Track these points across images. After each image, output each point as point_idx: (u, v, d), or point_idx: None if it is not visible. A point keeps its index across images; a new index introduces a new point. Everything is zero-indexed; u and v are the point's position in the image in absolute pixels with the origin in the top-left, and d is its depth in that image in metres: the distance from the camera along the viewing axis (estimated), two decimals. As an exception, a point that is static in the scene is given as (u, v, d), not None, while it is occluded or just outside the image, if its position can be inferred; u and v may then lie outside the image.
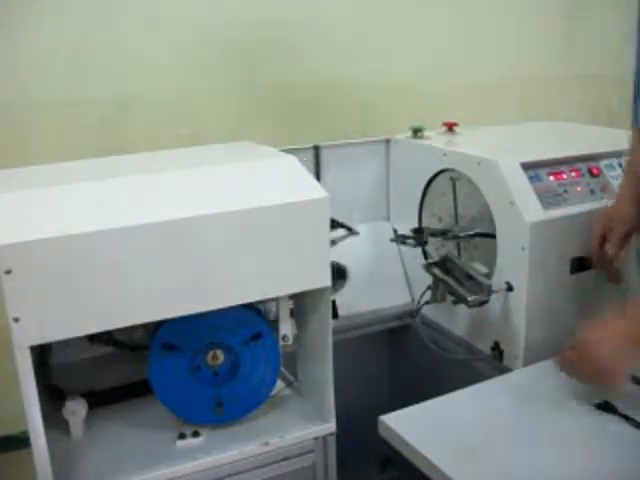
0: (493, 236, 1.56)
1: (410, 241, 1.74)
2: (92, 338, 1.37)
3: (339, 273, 1.82)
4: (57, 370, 1.44)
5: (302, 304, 1.41)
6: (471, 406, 1.32)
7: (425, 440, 1.20)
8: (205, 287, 1.20)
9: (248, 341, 1.33)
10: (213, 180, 1.27)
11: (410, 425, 1.25)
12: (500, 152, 1.59)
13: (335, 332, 1.37)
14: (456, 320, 1.72)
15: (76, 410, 1.32)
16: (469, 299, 1.49)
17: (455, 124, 1.88)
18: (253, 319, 1.34)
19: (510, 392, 1.37)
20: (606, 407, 1.26)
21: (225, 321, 1.30)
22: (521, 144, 1.71)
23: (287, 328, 1.37)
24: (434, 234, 1.71)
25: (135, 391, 1.43)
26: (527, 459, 1.15)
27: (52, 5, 2.00)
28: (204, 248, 1.18)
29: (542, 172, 1.55)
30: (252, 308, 1.34)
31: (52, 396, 1.37)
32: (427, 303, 1.62)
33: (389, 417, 1.28)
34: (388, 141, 1.94)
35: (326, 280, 1.30)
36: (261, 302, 1.37)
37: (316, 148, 1.85)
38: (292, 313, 1.44)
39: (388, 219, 1.97)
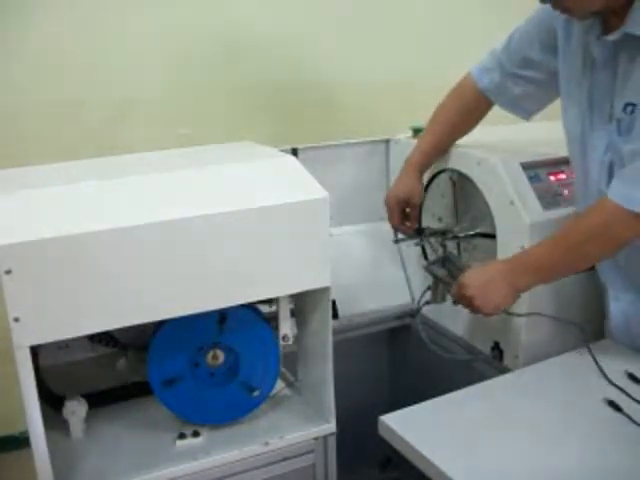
0: (493, 236, 1.56)
1: (411, 241, 1.74)
2: (92, 338, 1.37)
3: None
4: (57, 370, 1.43)
5: (302, 304, 1.41)
6: (471, 406, 1.32)
7: (425, 440, 1.20)
8: (205, 287, 1.20)
9: (248, 342, 1.33)
10: (213, 180, 1.27)
11: (410, 425, 1.25)
12: (500, 152, 1.59)
13: (335, 332, 1.37)
14: (456, 320, 1.72)
15: (76, 410, 1.32)
16: None
17: (455, 124, 1.87)
18: (253, 319, 1.34)
19: (510, 392, 1.37)
20: (610, 406, 1.26)
21: (230, 323, 1.30)
22: (521, 144, 1.71)
23: (287, 328, 1.37)
24: (434, 234, 1.71)
25: (135, 391, 1.44)
26: (527, 459, 1.15)
27: (52, 6, 2.00)
28: (204, 248, 1.18)
29: (542, 172, 1.55)
30: (252, 308, 1.34)
31: (47, 400, 1.36)
32: (427, 303, 1.62)
33: (389, 417, 1.28)
34: (388, 141, 1.94)
35: (326, 280, 1.30)
36: (262, 302, 1.37)
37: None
38: (292, 313, 1.45)
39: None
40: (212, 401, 1.33)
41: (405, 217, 1.70)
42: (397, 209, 1.67)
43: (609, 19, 1.28)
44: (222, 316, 1.29)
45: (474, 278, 1.40)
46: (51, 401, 1.35)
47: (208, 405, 1.33)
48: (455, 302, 1.54)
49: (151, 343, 1.29)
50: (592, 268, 1.52)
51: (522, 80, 1.54)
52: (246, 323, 1.33)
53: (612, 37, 1.26)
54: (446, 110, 1.67)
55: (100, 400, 1.41)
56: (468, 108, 1.64)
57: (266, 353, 1.35)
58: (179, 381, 1.31)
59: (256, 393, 1.34)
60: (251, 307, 1.33)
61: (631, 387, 1.33)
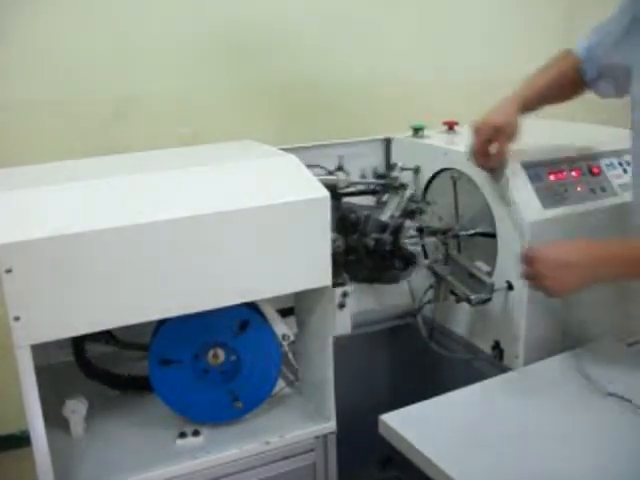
0: (493, 235, 1.56)
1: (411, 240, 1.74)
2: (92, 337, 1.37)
3: (409, 260, 1.63)
4: (57, 369, 1.44)
5: (302, 304, 1.41)
6: (471, 406, 1.32)
7: (425, 439, 1.20)
8: (205, 286, 1.20)
9: (244, 337, 1.33)
10: (213, 179, 1.27)
11: (410, 425, 1.25)
12: (500, 152, 1.58)
13: (335, 331, 1.37)
14: (456, 319, 1.72)
15: (76, 409, 1.33)
16: (472, 297, 1.49)
17: (456, 123, 1.87)
18: (253, 319, 1.34)
19: (510, 391, 1.37)
20: (608, 407, 1.26)
21: (223, 320, 1.30)
22: (521, 143, 1.71)
23: (282, 328, 1.37)
24: (435, 233, 1.71)
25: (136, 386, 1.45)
26: (527, 458, 1.15)
27: (52, 5, 2.00)
28: (204, 247, 1.18)
29: (542, 171, 1.55)
30: (253, 307, 1.34)
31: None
32: (429, 302, 1.62)
33: (389, 416, 1.28)
34: (388, 140, 1.94)
35: (326, 279, 1.30)
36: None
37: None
38: (292, 312, 1.45)
39: (388, 218, 1.96)
40: (212, 400, 1.33)
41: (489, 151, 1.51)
42: (485, 136, 1.47)
43: None
44: (244, 322, 1.31)
45: (552, 256, 1.28)
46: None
47: (208, 404, 1.33)
48: (457, 300, 1.54)
49: (152, 342, 1.29)
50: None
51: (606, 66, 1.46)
52: (244, 321, 1.33)
53: None
54: (546, 72, 1.56)
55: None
56: (566, 75, 1.53)
57: (267, 352, 1.35)
58: (180, 380, 1.31)
59: (239, 405, 1.34)
60: (252, 306, 1.33)
61: (630, 387, 1.33)
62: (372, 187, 1.62)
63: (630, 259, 1.27)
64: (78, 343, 1.42)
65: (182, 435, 1.32)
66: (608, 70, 1.46)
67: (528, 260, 1.31)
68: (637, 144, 1.37)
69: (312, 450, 1.37)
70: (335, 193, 1.49)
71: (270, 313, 1.36)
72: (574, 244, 1.31)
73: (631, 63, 1.37)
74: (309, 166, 1.36)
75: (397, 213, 1.55)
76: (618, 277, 1.32)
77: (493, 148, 1.48)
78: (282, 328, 1.37)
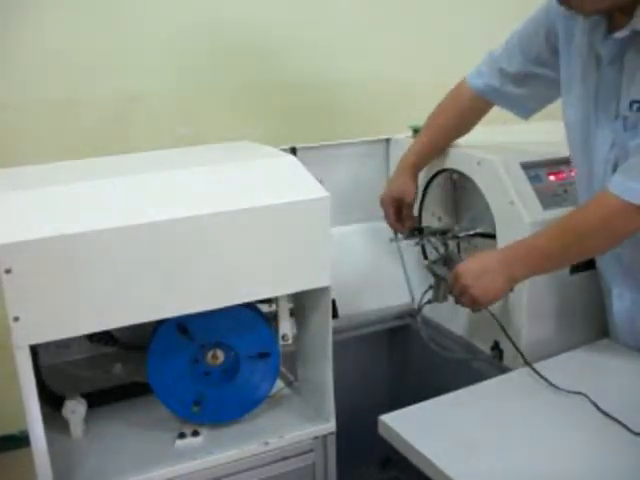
0: (493, 236, 1.56)
1: (410, 241, 1.74)
2: (91, 337, 1.37)
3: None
4: (57, 369, 1.44)
5: (302, 304, 1.41)
6: (471, 406, 1.32)
7: (425, 440, 1.20)
8: (205, 287, 1.20)
9: (255, 356, 1.34)
10: (213, 180, 1.27)
11: (410, 425, 1.25)
12: (500, 152, 1.59)
13: (335, 332, 1.37)
14: (456, 320, 1.72)
15: (76, 409, 1.32)
16: None
17: (455, 124, 1.87)
18: (253, 319, 1.34)
19: (510, 392, 1.37)
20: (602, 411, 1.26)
21: (230, 322, 1.30)
22: (521, 144, 1.71)
23: (287, 328, 1.37)
24: (434, 234, 1.71)
25: (135, 391, 1.44)
26: (527, 459, 1.15)
27: (51, 5, 2.00)
28: (204, 248, 1.18)
29: (542, 172, 1.55)
30: (252, 308, 1.34)
31: (47, 400, 1.36)
32: (429, 302, 1.62)
33: (389, 417, 1.28)
34: (387, 141, 1.94)
35: (326, 280, 1.30)
36: (261, 302, 1.37)
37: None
38: (291, 312, 1.45)
39: (388, 219, 1.96)
40: (212, 401, 1.33)
41: (402, 216, 1.71)
42: (391, 208, 1.69)
43: (615, 16, 1.27)
44: (244, 323, 1.31)
45: (470, 267, 1.38)
46: (51, 401, 1.35)
47: (208, 405, 1.33)
48: (457, 301, 1.54)
49: (151, 342, 1.29)
50: (593, 266, 1.52)
51: (523, 81, 1.54)
52: (246, 323, 1.33)
53: (620, 35, 1.25)
54: (442, 112, 1.68)
55: (99, 400, 1.41)
56: (463, 111, 1.65)
57: (266, 353, 1.35)
58: (179, 380, 1.31)
59: (195, 409, 1.33)
60: (251, 307, 1.33)
61: (631, 388, 1.33)
62: None
63: (533, 252, 1.34)
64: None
65: (181, 436, 1.31)
66: (526, 81, 1.54)
67: (454, 278, 1.40)
68: (569, 139, 1.46)
69: (311, 450, 1.37)
70: None
71: (284, 311, 1.36)
72: (486, 253, 1.43)
73: (553, 73, 1.47)
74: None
75: None
76: (534, 270, 1.38)
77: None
78: (284, 327, 1.37)
